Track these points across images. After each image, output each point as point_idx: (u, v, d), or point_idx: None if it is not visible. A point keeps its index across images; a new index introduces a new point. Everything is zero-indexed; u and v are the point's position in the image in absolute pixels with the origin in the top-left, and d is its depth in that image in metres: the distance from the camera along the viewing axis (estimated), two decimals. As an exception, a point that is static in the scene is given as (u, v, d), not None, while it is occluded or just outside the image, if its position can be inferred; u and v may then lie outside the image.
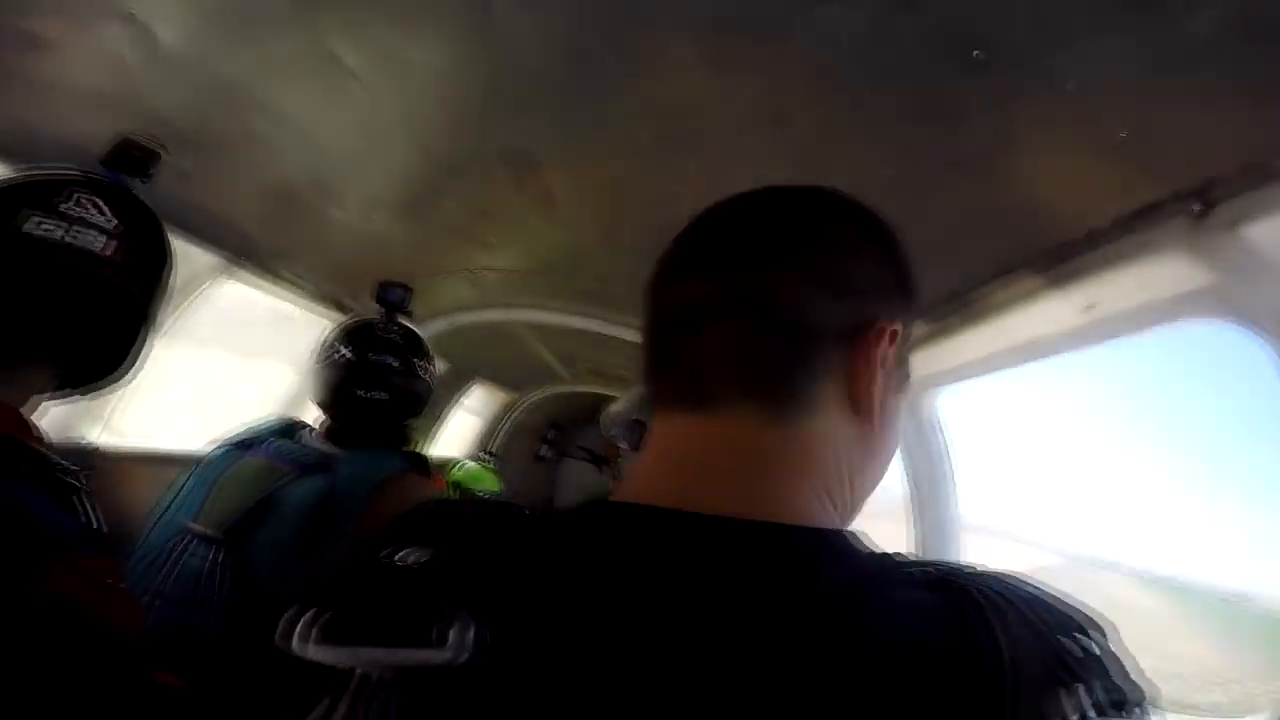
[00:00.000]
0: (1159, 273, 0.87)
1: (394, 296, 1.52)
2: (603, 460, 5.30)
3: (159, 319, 0.85)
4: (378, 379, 1.40)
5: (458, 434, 4.34)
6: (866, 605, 0.39)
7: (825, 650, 0.37)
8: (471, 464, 3.85)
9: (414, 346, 1.48)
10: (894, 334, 0.48)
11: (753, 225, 0.51)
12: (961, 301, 1.21)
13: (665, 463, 0.48)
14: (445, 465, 3.60)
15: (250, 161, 1.41)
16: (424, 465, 1.40)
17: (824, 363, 0.47)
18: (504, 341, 3.33)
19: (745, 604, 0.38)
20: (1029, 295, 1.07)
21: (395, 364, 1.42)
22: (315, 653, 0.37)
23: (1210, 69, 0.70)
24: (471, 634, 0.36)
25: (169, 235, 0.84)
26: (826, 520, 0.46)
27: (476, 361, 3.77)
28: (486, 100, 1.20)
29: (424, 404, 1.49)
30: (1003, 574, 0.45)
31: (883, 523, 0.58)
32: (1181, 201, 0.76)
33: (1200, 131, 0.75)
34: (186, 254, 1.62)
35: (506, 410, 4.87)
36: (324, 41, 1.05)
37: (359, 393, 1.38)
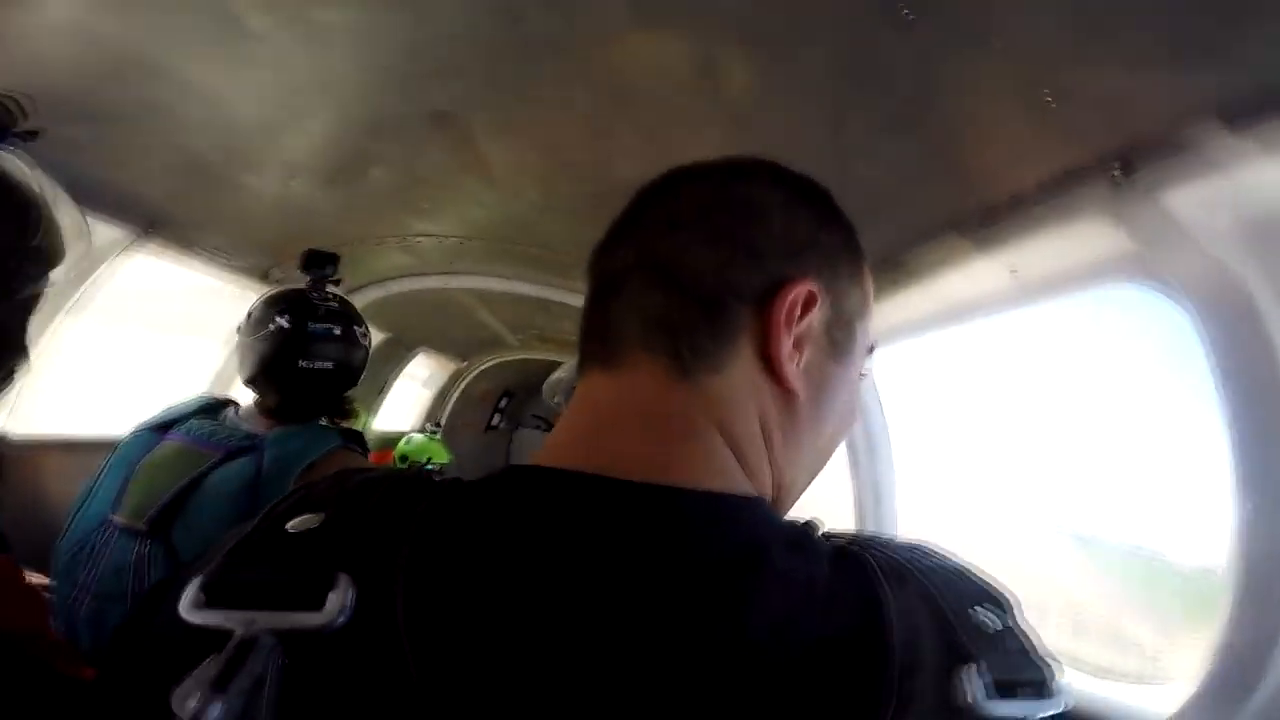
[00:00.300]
0: (1081, 237, 0.88)
1: (321, 264, 1.45)
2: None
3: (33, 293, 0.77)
4: (319, 349, 1.35)
5: (404, 406, 4.26)
6: (754, 579, 0.39)
7: (702, 628, 0.37)
8: (419, 436, 3.80)
9: (351, 314, 1.43)
10: (811, 295, 0.48)
11: (674, 193, 0.52)
12: (892, 264, 1.22)
13: (576, 423, 0.49)
14: (393, 440, 3.54)
15: (153, 131, 1.32)
16: (359, 441, 1.37)
17: (735, 323, 0.47)
18: (448, 310, 3.26)
19: (627, 572, 0.38)
20: (957, 258, 1.08)
21: (337, 332, 1.37)
22: (201, 616, 0.37)
23: (1136, 33, 0.70)
24: (351, 597, 0.37)
25: (39, 199, 0.76)
26: (734, 484, 0.45)
27: (420, 331, 3.69)
28: (409, 62, 1.14)
29: (361, 372, 1.45)
30: (913, 544, 0.46)
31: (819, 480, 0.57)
32: (1104, 166, 0.77)
33: (1124, 97, 0.75)
34: (84, 228, 1.52)
35: (455, 380, 4.80)
36: (224, 5, 0.97)
37: (301, 364, 1.33)
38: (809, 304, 0.48)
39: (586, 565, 0.39)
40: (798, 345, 0.48)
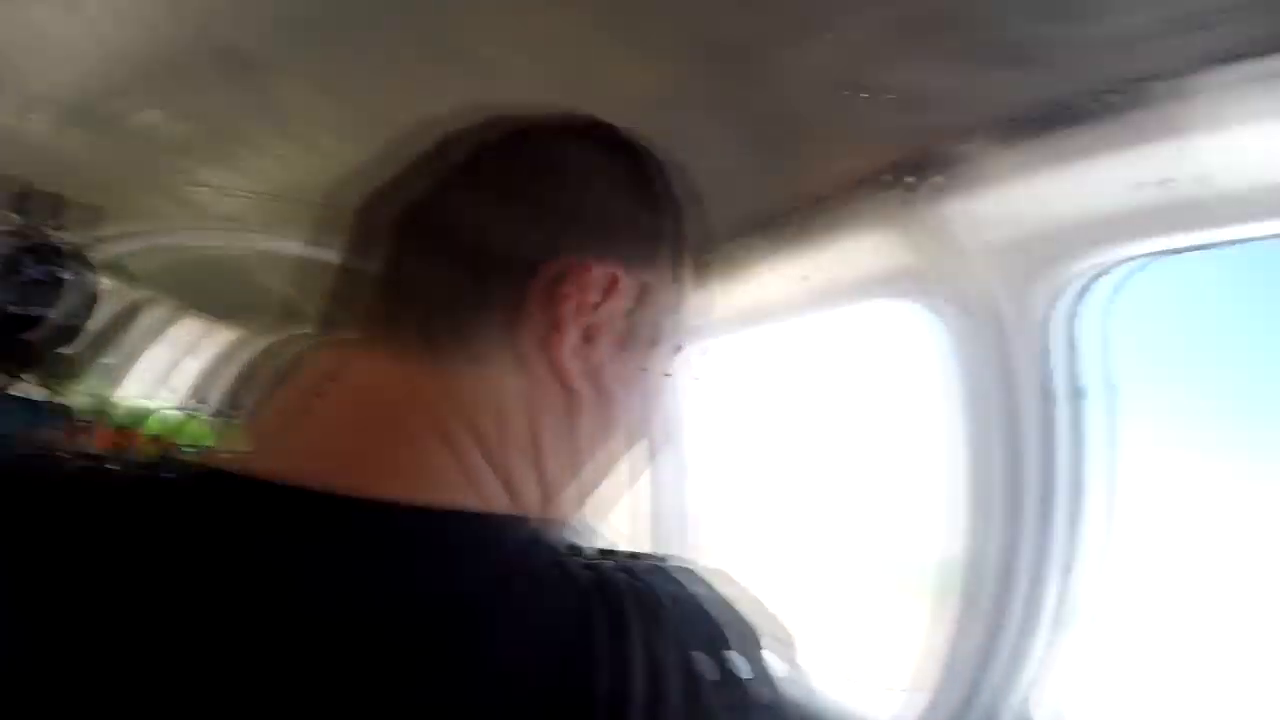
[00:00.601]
0: (867, 247, 0.95)
1: (40, 207, 1.22)
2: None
3: None
4: (35, 294, 1.13)
5: (166, 378, 3.72)
6: (464, 622, 0.32)
7: (396, 680, 0.30)
8: (175, 413, 3.32)
9: (74, 262, 1.22)
10: (613, 280, 0.41)
11: (471, 144, 0.44)
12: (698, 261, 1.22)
13: (286, 408, 0.41)
14: (144, 416, 3.06)
15: None
16: (66, 414, 1.17)
17: (512, 304, 0.39)
18: (232, 272, 2.89)
19: (296, 602, 0.32)
20: (753, 262, 1.11)
21: (63, 276, 1.17)
22: None
23: (951, 33, 0.71)
24: None
25: None
26: (474, 496, 0.38)
27: (194, 294, 3.25)
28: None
29: (79, 328, 1.25)
30: (678, 571, 0.40)
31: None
32: (899, 172, 0.82)
33: (928, 97, 0.77)
34: None
35: (235, 351, 4.28)
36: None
37: (11, 309, 1.11)
38: (610, 290, 0.41)
39: (237, 592, 0.32)
40: (590, 337, 0.41)
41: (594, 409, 0.42)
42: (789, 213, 1.02)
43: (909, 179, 0.82)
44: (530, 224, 0.41)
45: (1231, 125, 0.68)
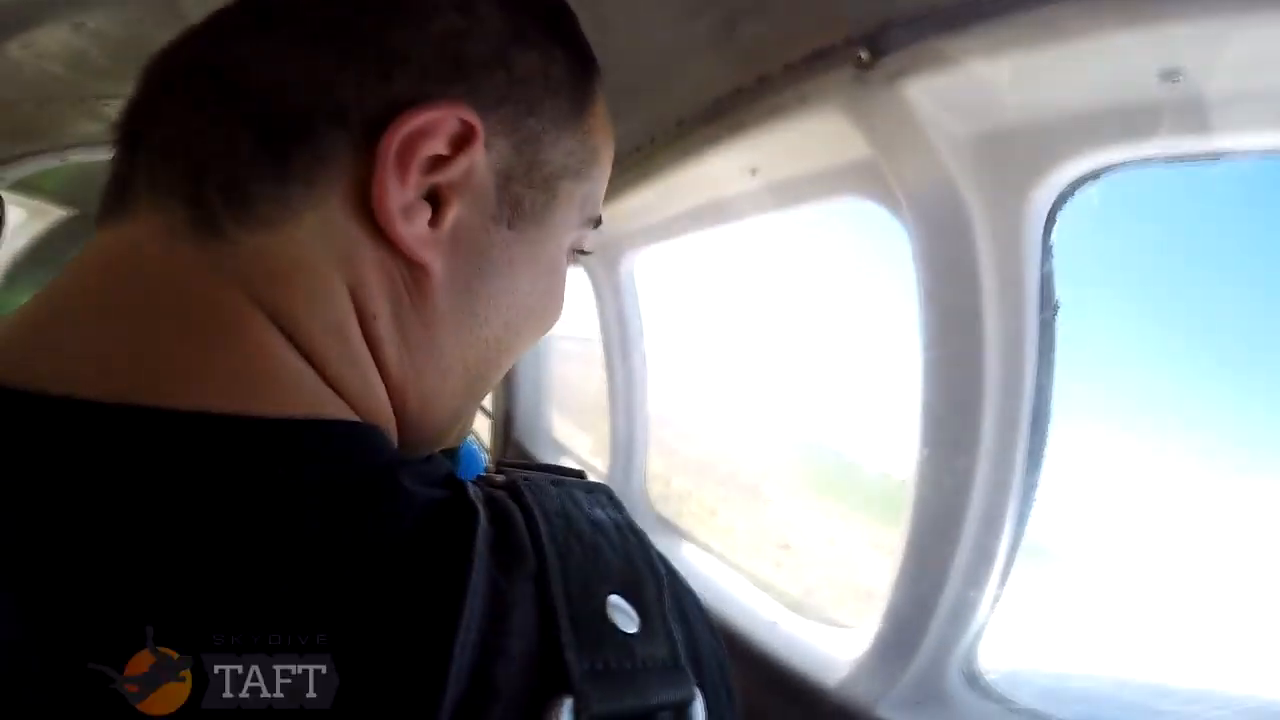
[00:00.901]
0: (821, 136, 0.80)
1: None
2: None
3: None
4: None
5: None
6: (254, 560, 0.26)
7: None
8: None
9: None
10: (466, 128, 0.33)
11: None
12: (640, 156, 1.09)
13: (44, 303, 0.32)
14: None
15: None
16: None
17: (320, 158, 0.32)
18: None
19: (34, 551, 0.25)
20: (700, 153, 0.97)
21: None
22: None
23: None
24: None
25: None
26: (289, 401, 0.30)
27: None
28: None
29: None
30: (570, 492, 0.33)
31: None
32: (850, 47, 0.67)
33: None
34: None
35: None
36: None
37: None
38: (463, 141, 0.34)
39: None
40: (436, 196, 0.34)
41: (453, 287, 0.35)
42: (733, 95, 0.86)
43: (863, 55, 0.67)
44: (352, 67, 0.33)
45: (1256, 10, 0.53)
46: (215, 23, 0.36)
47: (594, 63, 0.40)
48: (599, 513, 0.33)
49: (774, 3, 0.72)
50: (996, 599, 0.86)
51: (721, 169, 1.02)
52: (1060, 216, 0.78)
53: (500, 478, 0.33)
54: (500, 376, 0.42)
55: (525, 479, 0.33)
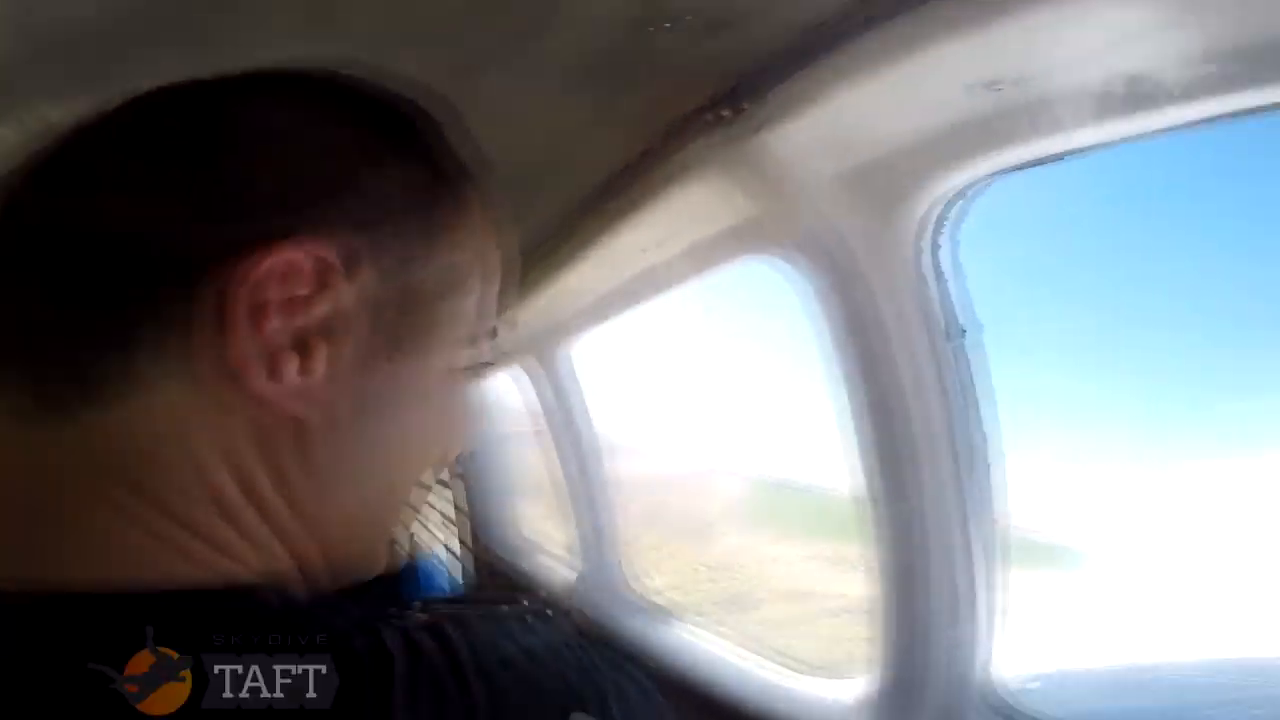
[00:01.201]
0: (706, 203, 0.83)
1: None
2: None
3: None
4: None
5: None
6: None
7: None
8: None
9: None
10: (323, 265, 0.31)
11: (118, 125, 0.33)
12: (548, 248, 1.11)
13: None
14: None
15: None
16: None
17: (163, 320, 0.30)
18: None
19: None
20: (605, 234, 1.00)
21: None
22: None
23: None
24: None
25: None
26: (165, 565, 0.29)
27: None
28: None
29: None
30: (500, 624, 0.31)
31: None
32: (715, 107, 0.71)
33: (736, 13, 0.64)
34: None
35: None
36: None
37: None
38: (322, 277, 0.31)
39: None
40: (302, 342, 0.31)
41: (340, 434, 0.33)
42: (624, 172, 0.89)
43: (724, 113, 0.70)
44: (182, 215, 0.31)
45: (1036, 16, 0.57)
46: (35, 176, 0.33)
47: (463, 168, 0.38)
48: (532, 640, 0.31)
49: (641, 71, 0.75)
50: (991, 615, 0.84)
51: (629, 246, 1.04)
52: (942, 240, 0.80)
53: (423, 616, 0.30)
54: (409, 494, 0.39)
55: (451, 615, 0.31)
